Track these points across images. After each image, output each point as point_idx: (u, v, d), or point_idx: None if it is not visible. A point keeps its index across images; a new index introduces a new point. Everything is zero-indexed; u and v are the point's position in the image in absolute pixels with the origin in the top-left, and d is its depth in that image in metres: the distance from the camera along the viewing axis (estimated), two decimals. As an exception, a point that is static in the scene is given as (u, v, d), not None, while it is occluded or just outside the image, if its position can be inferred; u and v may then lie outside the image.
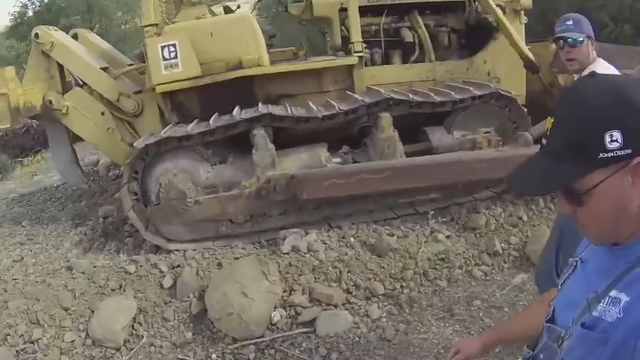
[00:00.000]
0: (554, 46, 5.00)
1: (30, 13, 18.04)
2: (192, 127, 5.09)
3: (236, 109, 5.21)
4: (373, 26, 5.77)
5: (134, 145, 5.13)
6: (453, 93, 5.15)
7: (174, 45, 5.16)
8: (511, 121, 5.43)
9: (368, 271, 4.61)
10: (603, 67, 3.09)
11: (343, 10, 5.71)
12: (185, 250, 5.10)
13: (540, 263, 3.61)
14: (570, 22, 3.16)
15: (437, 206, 5.39)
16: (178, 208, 5.12)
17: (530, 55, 5.50)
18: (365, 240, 5.02)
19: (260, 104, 5.27)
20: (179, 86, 5.28)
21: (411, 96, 5.12)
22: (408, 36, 5.75)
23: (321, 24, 6.35)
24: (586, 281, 1.20)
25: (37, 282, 4.77)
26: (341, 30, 5.81)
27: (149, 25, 5.31)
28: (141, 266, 4.93)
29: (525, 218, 5.21)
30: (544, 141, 1.11)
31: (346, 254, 4.79)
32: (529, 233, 4.97)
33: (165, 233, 5.24)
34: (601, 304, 1.09)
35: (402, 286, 4.51)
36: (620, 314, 1.05)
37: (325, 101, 5.42)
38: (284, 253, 4.88)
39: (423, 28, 5.76)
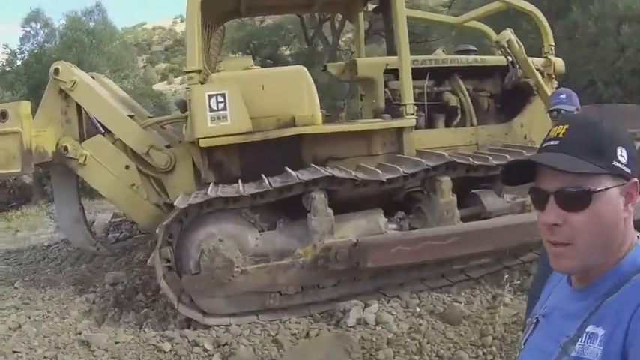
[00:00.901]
0: None
1: (18, 62, 15.99)
2: (245, 188, 4.18)
3: (289, 171, 4.56)
4: (416, 89, 5.36)
5: (175, 204, 4.26)
6: (507, 156, 4.70)
7: (223, 95, 4.37)
8: None
9: (447, 340, 4.06)
10: None
11: (387, 71, 5.30)
12: (228, 325, 4.12)
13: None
14: (564, 96, 3.32)
15: (488, 271, 4.97)
16: (223, 278, 4.28)
17: (566, 118, 5.05)
18: (432, 309, 4.49)
19: (314, 165, 4.71)
20: (226, 141, 4.55)
21: (471, 160, 4.51)
22: (451, 100, 5.44)
23: (362, 85, 5.62)
24: (553, 330, 1.12)
25: (46, 357, 3.86)
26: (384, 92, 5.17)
27: (193, 71, 4.53)
28: (177, 344, 4.08)
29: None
30: (552, 142, 1.08)
31: (421, 324, 4.23)
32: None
33: (202, 306, 4.39)
34: (578, 343, 1.01)
35: (484, 353, 3.95)
36: (600, 350, 0.98)
37: (377, 164, 4.81)
38: (350, 327, 4.19)
39: (465, 92, 5.37)
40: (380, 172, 4.54)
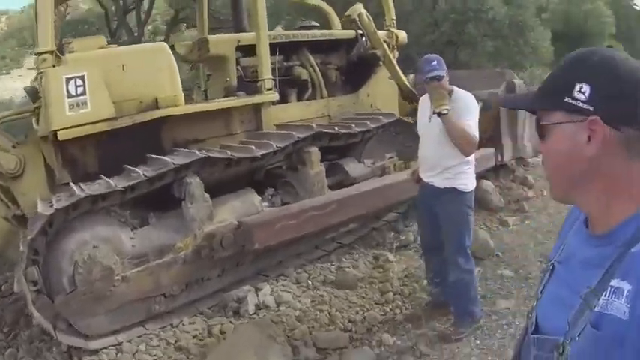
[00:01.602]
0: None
1: None
2: (116, 182, 3.77)
3: (158, 157, 4.22)
4: None
5: (39, 212, 3.62)
6: (368, 122, 4.97)
7: (82, 77, 3.84)
8: (407, 145, 5.48)
9: (354, 305, 4.26)
10: (460, 92, 3.69)
11: (239, 48, 5.21)
12: (119, 344, 3.75)
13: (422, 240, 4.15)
14: (435, 62, 3.62)
15: (358, 235, 5.31)
16: (104, 291, 3.83)
17: (410, 85, 5.69)
18: (324, 279, 4.65)
19: (180, 149, 4.47)
20: (88, 131, 4.00)
21: (336, 128, 4.75)
22: (302, 74, 5.55)
23: (210, 64, 5.39)
24: (572, 278, 1.10)
25: None
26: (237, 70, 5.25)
27: (46, 53, 3.90)
28: (70, 381, 3.69)
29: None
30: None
31: (322, 296, 4.36)
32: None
33: (83, 329, 3.84)
34: (602, 298, 0.98)
35: (391, 309, 4.22)
36: (627, 308, 0.94)
37: (239, 142, 4.76)
38: (252, 314, 4.14)
39: (315, 65, 5.58)
40: (253, 147, 4.45)
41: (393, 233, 5.31)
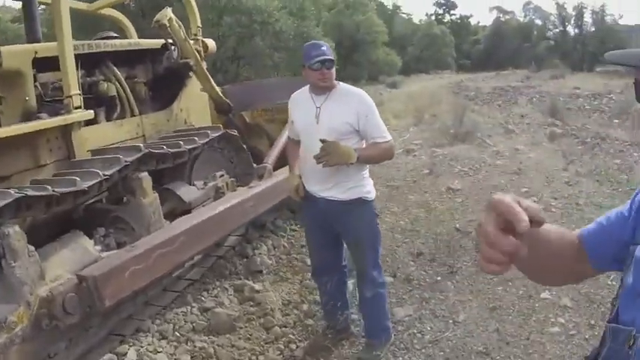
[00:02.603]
0: None
1: None
2: None
3: None
4: None
5: None
6: (196, 138, 4.81)
7: None
8: (231, 161, 5.44)
9: (244, 351, 3.92)
10: (344, 86, 3.53)
11: (35, 62, 4.40)
12: None
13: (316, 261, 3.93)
14: (325, 48, 3.41)
15: (205, 267, 5.08)
16: None
17: (223, 97, 5.65)
18: (193, 328, 4.19)
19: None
20: None
21: (165, 147, 4.48)
22: (110, 90, 4.89)
23: (3, 84, 4.50)
24: None
25: None
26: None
27: None
28: None
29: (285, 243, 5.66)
30: None
31: (202, 348, 3.91)
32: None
33: None
34: None
35: (284, 345, 4.00)
36: None
37: (53, 175, 4.09)
38: None
39: (122, 80, 5.05)
40: (77, 179, 3.76)
41: (244, 259, 5.13)
